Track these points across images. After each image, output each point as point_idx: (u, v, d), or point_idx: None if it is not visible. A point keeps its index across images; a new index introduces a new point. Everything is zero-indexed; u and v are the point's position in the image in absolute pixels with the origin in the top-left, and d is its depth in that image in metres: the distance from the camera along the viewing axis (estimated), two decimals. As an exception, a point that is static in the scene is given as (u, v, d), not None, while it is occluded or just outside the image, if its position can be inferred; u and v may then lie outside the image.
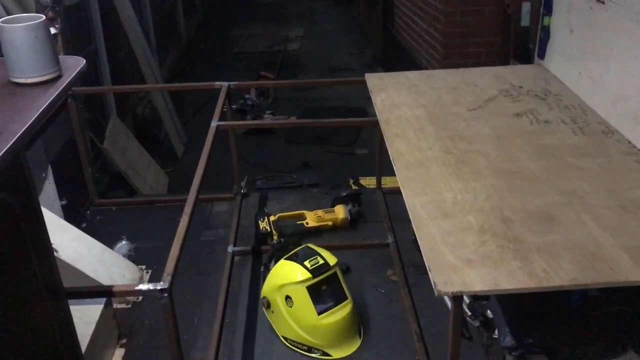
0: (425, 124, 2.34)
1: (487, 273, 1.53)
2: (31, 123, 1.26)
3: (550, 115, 2.37)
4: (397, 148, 2.18)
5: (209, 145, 2.29)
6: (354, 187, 3.47)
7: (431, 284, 1.51)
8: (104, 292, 1.75)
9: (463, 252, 1.61)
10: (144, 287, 1.60)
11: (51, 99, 1.34)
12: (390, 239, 2.84)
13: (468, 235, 1.68)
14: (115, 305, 2.39)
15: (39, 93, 1.36)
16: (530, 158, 2.07)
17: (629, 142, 2.14)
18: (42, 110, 1.31)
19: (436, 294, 1.51)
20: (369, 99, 2.70)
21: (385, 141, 2.26)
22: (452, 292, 1.50)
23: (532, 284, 1.50)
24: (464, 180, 1.95)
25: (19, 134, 1.19)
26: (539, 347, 1.96)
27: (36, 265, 1.43)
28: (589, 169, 1.99)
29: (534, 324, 1.98)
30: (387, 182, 3.22)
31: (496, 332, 2.17)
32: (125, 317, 2.43)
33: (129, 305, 2.47)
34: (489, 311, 2.29)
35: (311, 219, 2.95)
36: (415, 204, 1.84)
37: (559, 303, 1.95)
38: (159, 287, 1.57)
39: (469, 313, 2.32)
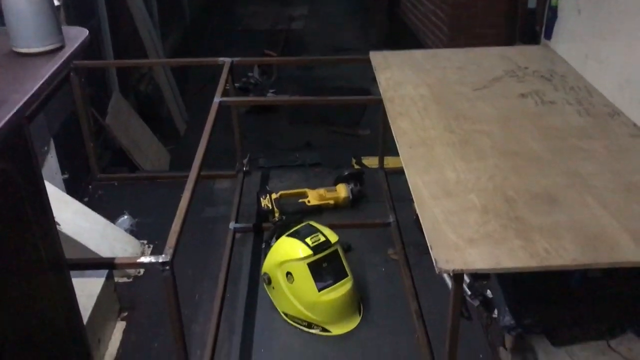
0: (429, 103, 2.32)
1: (489, 252, 1.53)
2: (34, 93, 1.25)
3: (556, 96, 2.35)
4: (401, 127, 2.16)
5: (211, 121, 2.28)
6: (356, 166, 3.46)
7: (432, 264, 1.51)
8: (106, 264, 1.75)
9: (465, 231, 1.61)
10: (145, 259, 1.61)
11: (54, 69, 1.33)
12: (391, 219, 2.84)
13: (470, 215, 1.68)
14: (116, 279, 2.40)
15: (42, 63, 1.35)
16: (535, 139, 2.06)
17: (635, 125, 2.12)
18: (45, 80, 1.30)
19: (437, 272, 1.51)
20: (374, 79, 2.67)
21: (389, 120, 2.24)
22: (453, 270, 1.50)
23: (533, 263, 1.50)
24: (467, 160, 1.94)
25: (21, 103, 1.18)
26: (538, 327, 1.96)
27: (38, 237, 1.43)
28: (594, 150, 1.98)
29: (533, 304, 1.98)
30: (389, 162, 3.22)
31: (495, 312, 2.18)
32: (126, 291, 2.44)
33: (130, 279, 2.48)
34: (488, 291, 2.30)
35: (313, 197, 2.95)
36: (417, 183, 1.84)
37: (560, 284, 1.95)
38: (160, 260, 1.58)
39: (469, 293, 2.33)
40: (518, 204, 1.71)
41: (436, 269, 1.50)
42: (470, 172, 1.88)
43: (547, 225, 1.62)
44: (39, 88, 1.27)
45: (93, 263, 1.87)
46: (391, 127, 2.19)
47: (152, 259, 1.59)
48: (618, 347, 1.83)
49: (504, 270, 1.53)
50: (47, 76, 1.30)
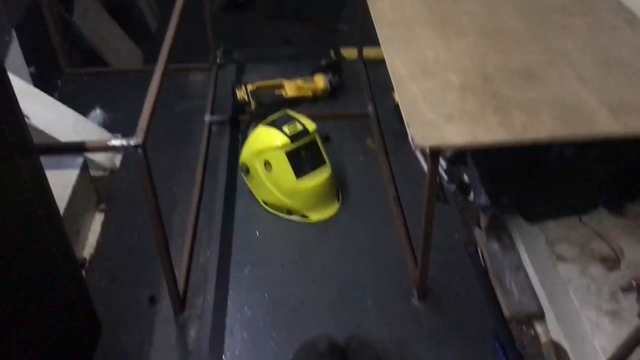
0: (408, -18, 2.22)
1: (466, 128, 1.52)
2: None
3: (539, -26, 2.26)
4: (380, 7, 2.08)
5: (180, 4, 2.15)
6: (334, 57, 3.37)
7: (411, 152, 1.49)
8: (77, 148, 1.71)
9: (443, 109, 1.59)
10: (117, 142, 1.56)
11: None
12: (370, 109, 2.80)
13: (449, 93, 1.65)
14: (92, 173, 2.37)
15: None
16: (516, 17, 2.00)
17: (618, 1, 2.06)
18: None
19: (414, 148, 1.50)
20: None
21: (368, 2, 2.15)
22: (430, 146, 1.49)
23: (510, 137, 1.49)
24: (447, 40, 1.89)
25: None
26: (513, 205, 2.00)
27: (3, 125, 1.38)
28: (576, 27, 1.93)
29: (509, 184, 2.01)
30: (369, 53, 3.13)
31: (472, 194, 2.21)
32: (104, 184, 2.41)
33: (106, 173, 2.44)
34: (465, 176, 2.32)
35: (290, 88, 2.88)
36: (396, 62, 1.79)
37: (536, 164, 1.96)
38: (132, 143, 1.54)
39: (446, 177, 2.34)
40: (497, 81, 1.69)
41: (412, 146, 1.49)
42: (450, 51, 1.83)
43: (525, 101, 1.61)
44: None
45: (63, 147, 1.83)
46: (370, 9, 2.10)
47: (124, 142, 1.55)
48: (589, 221, 1.88)
49: (481, 145, 1.52)
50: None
